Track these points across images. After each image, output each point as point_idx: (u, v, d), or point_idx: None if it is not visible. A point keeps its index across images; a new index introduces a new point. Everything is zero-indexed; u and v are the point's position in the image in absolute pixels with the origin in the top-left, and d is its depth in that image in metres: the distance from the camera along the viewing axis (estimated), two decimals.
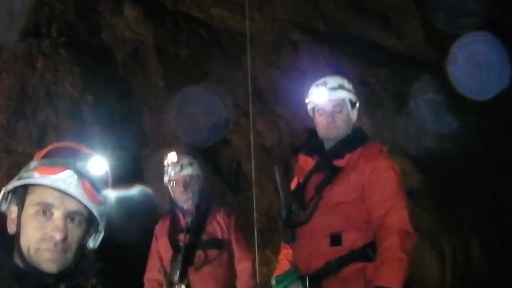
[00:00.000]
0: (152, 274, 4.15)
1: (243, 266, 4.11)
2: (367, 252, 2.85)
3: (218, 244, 4.03)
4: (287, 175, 3.55)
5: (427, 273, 6.37)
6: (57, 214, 1.56)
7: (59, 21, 6.76)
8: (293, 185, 3.26)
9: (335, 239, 2.89)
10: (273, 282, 3.10)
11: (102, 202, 1.63)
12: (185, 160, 4.14)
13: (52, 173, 1.56)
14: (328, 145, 3.13)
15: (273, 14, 7.79)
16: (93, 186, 1.60)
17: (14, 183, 1.59)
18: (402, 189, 2.97)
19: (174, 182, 4.09)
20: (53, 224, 1.55)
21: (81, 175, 1.58)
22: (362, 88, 6.57)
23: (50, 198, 1.56)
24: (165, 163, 4.13)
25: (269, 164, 6.27)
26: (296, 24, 7.81)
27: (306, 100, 3.18)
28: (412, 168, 6.60)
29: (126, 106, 6.65)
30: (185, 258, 3.92)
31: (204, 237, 4.02)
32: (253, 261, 4.27)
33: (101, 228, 1.68)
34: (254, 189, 4.99)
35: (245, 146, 6.58)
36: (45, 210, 1.56)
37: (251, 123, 5.59)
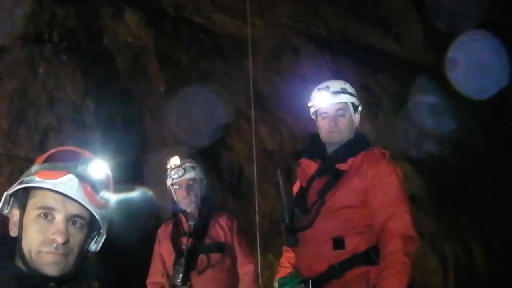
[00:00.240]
0: (155, 277, 4.15)
1: (245, 269, 4.11)
2: (370, 256, 2.85)
3: (221, 247, 4.03)
4: (289, 179, 3.56)
5: (429, 277, 6.36)
6: (59, 217, 1.56)
7: (60, 27, 6.79)
8: (295, 189, 3.26)
9: (338, 243, 2.88)
10: (276, 285, 3.10)
11: (103, 205, 1.63)
12: (188, 164, 4.15)
13: (53, 177, 1.56)
14: (330, 149, 3.12)
15: (275, 20, 7.81)
16: (94, 189, 1.60)
17: (16, 187, 1.60)
18: (404, 194, 2.97)
19: (177, 186, 4.10)
20: (54, 227, 1.55)
21: (82, 179, 1.58)
22: (363, 92, 6.58)
23: (52, 201, 1.56)
24: (168, 167, 4.14)
25: (270, 169, 6.28)
26: (298, 29, 7.83)
27: (309, 104, 3.18)
28: (413, 172, 6.60)
29: (128, 111, 6.67)
30: (188, 261, 3.92)
31: (207, 240, 4.02)
32: (256, 265, 4.27)
33: (103, 231, 1.68)
34: (256, 193, 4.99)
35: (247, 151, 6.58)
36: (47, 214, 1.56)
37: (253, 128, 5.60)
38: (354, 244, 2.86)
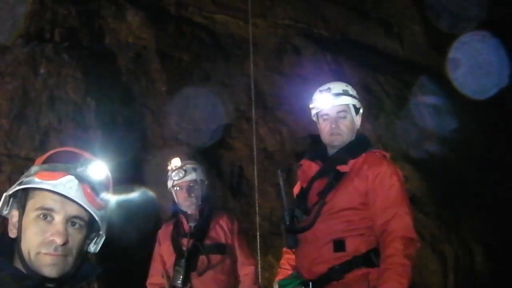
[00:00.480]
0: (155, 278, 4.14)
1: (246, 271, 4.11)
2: (370, 258, 2.84)
3: (221, 249, 4.03)
4: (289, 180, 3.55)
5: (429, 278, 6.36)
6: (58, 218, 1.55)
7: (62, 26, 6.79)
8: (296, 190, 3.26)
9: (339, 245, 2.88)
10: (276, 286, 3.10)
11: (102, 207, 1.63)
12: (189, 166, 4.14)
13: (52, 178, 1.56)
14: (331, 151, 3.13)
15: (276, 20, 7.82)
16: (94, 190, 1.60)
17: (15, 188, 1.60)
18: (405, 195, 2.97)
19: (178, 187, 4.10)
20: (53, 228, 1.54)
21: (82, 180, 1.58)
22: (364, 93, 6.58)
23: (51, 202, 1.56)
24: (169, 168, 4.13)
25: (271, 169, 6.28)
26: (299, 30, 7.83)
27: (310, 106, 3.18)
28: (413, 173, 6.59)
29: (129, 111, 6.67)
30: (188, 262, 3.92)
31: (207, 242, 4.02)
32: (256, 266, 4.27)
33: (102, 232, 1.68)
34: (256, 194, 4.99)
35: (248, 151, 6.59)
36: (46, 215, 1.56)
37: (254, 128, 5.60)
38: (355, 246, 2.86)
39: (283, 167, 5.64)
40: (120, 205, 1.91)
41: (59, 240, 1.53)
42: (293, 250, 3.12)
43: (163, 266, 4.09)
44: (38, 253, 1.53)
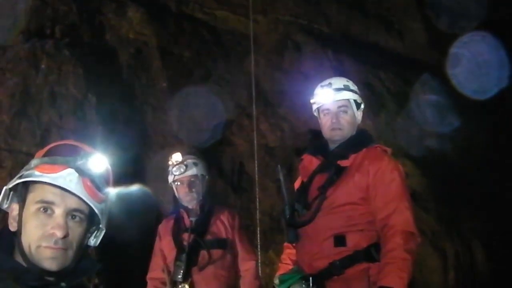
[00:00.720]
0: (156, 273, 4.14)
1: (247, 266, 4.11)
2: (371, 253, 2.85)
3: (222, 244, 4.03)
4: (290, 175, 3.56)
5: (429, 275, 6.36)
6: (58, 211, 1.55)
7: (63, 22, 6.78)
8: (297, 185, 3.26)
9: (339, 240, 2.88)
10: (276, 281, 3.10)
11: (103, 200, 1.63)
12: (190, 161, 4.14)
13: (52, 171, 1.56)
14: (332, 146, 3.13)
15: (277, 16, 7.81)
16: (94, 183, 1.59)
17: (15, 181, 1.59)
18: (406, 191, 2.97)
19: (179, 182, 4.09)
20: (54, 221, 1.54)
21: (82, 173, 1.58)
22: (365, 90, 6.57)
23: (51, 195, 1.56)
24: (170, 163, 4.13)
25: (272, 165, 6.28)
26: (300, 26, 7.83)
27: (311, 101, 3.18)
28: (414, 169, 6.59)
29: (129, 107, 6.67)
30: (189, 257, 3.92)
31: (208, 237, 4.02)
32: (257, 261, 4.27)
33: (102, 225, 1.68)
34: (257, 189, 4.99)
35: (248, 147, 6.58)
36: (46, 208, 1.56)
37: (254, 124, 5.60)
38: (355, 241, 2.86)
39: (284, 163, 5.65)
40: (120, 199, 1.91)
41: (59, 233, 1.53)
42: (294, 244, 3.13)
43: (164, 261, 4.09)
44: (38, 247, 1.53)
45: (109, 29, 7.11)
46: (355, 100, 3.11)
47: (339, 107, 3.07)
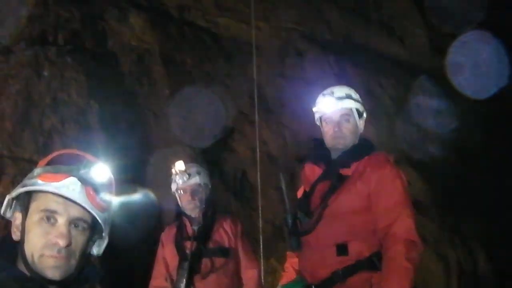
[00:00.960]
0: (158, 281, 4.14)
1: (249, 274, 4.11)
2: (373, 262, 2.84)
3: (225, 252, 4.03)
4: (292, 183, 3.55)
5: (432, 283, 6.34)
6: (61, 220, 1.56)
7: (65, 29, 6.80)
8: (299, 193, 3.26)
9: (342, 249, 2.88)
10: None
11: (105, 209, 1.63)
12: (193, 169, 4.15)
13: (56, 180, 1.56)
14: (334, 154, 3.13)
15: (279, 23, 7.82)
16: (97, 192, 1.60)
17: (18, 190, 1.60)
18: (408, 199, 2.97)
19: (182, 191, 4.10)
20: (57, 230, 1.55)
21: (85, 182, 1.58)
22: (367, 96, 6.57)
23: (54, 204, 1.56)
24: (173, 171, 4.13)
25: (274, 173, 6.26)
26: (302, 33, 7.84)
27: (314, 109, 3.18)
28: (416, 176, 6.59)
29: (132, 114, 6.67)
30: (192, 265, 3.93)
31: (211, 245, 4.02)
32: (259, 270, 4.27)
33: (105, 234, 1.68)
34: (259, 197, 4.99)
35: (251, 155, 6.59)
36: (49, 217, 1.56)
37: (257, 131, 5.60)
38: (358, 250, 2.86)
39: (286, 171, 5.64)
40: (123, 207, 1.91)
41: (62, 242, 1.53)
42: (297, 253, 3.12)
43: (167, 269, 4.09)
44: (41, 255, 1.53)
45: (111, 35, 7.12)
46: (357, 109, 3.11)
47: (342, 115, 3.07)
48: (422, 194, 6.60)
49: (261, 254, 4.58)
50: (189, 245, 3.99)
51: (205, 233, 4.04)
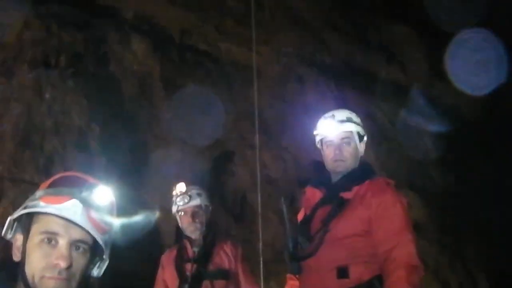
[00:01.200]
0: None
1: None
2: (374, 285, 2.83)
3: (225, 274, 4.01)
4: (293, 207, 3.55)
5: None
6: (62, 242, 1.56)
7: (67, 52, 6.84)
8: (300, 217, 3.26)
9: (342, 272, 2.87)
10: None
11: (106, 231, 1.64)
12: (194, 191, 4.15)
13: (57, 202, 1.57)
14: (335, 178, 3.13)
15: (280, 47, 7.87)
16: (98, 215, 1.61)
17: (20, 212, 1.61)
18: (409, 223, 2.96)
19: (183, 212, 4.10)
20: (58, 252, 1.55)
21: (86, 204, 1.59)
22: (367, 121, 6.58)
23: (55, 226, 1.57)
24: (174, 193, 4.14)
25: (274, 196, 6.27)
26: (302, 57, 7.89)
27: (314, 132, 3.20)
28: (417, 200, 6.58)
29: (132, 137, 6.68)
30: None
31: (211, 267, 4.00)
32: None
33: (106, 256, 1.68)
34: (260, 220, 4.98)
35: (251, 178, 6.58)
36: (50, 239, 1.57)
37: (257, 155, 5.60)
38: (358, 273, 2.85)
39: (287, 194, 5.64)
40: (123, 230, 1.91)
41: (63, 264, 1.53)
42: (297, 276, 3.11)
43: None
44: (42, 277, 1.53)
45: (113, 59, 7.17)
46: (358, 132, 3.13)
47: (342, 139, 3.09)
48: (422, 217, 6.59)
49: (261, 277, 4.55)
50: (189, 267, 3.98)
51: (205, 255, 4.03)
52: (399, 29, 8.39)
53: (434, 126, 7.26)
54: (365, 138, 3.19)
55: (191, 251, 4.05)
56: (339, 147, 3.07)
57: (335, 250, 2.89)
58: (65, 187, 1.62)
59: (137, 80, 7.19)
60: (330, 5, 8.20)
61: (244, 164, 6.99)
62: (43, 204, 1.57)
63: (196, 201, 4.09)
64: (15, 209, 1.65)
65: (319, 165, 3.22)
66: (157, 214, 5.19)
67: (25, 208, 1.60)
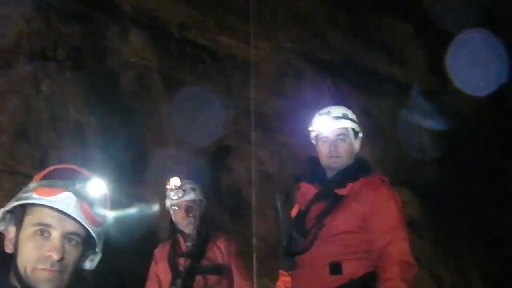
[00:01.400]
0: None
1: None
2: (367, 282, 2.84)
3: (218, 269, 4.02)
4: (288, 202, 3.55)
5: None
6: (55, 234, 1.56)
7: (65, 45, 6.82)
8: (294, 212, 3.26)
9: (335, 268, 2.88)
10: None
11: (100, 224, 1.64)
12: (188, 186, 4.14)
13: (50, 194, 1.57)
14: (330, 174, 3.14)
15: (278, 43, 7.86)
16: (92, 207, 1.61)
17: (13, 204, 1.61)
18: (403, 220, 2.98)
19: (176, 207, 4.10)
20: (50, 244, 1.55)
21: (80, 196, 1.59)
22: (364, 117, 6.59)
23: (48, 218, 1.57)
24: (168, 187, 4.13)
25: (269, 191, 6.26)
26: (301, 53, 7.88)
27: (310, 128, 3.21)
28: (412, 197, 6.59)
29: (129, 131, 6.67)
30: (185, 282, 3.91)
31: (204, 262, 4.01)
32: None
33: (99, 249, 1.69)
34: (254, 215, 4.98)
35: (247, 173, 6.58)
36: (43, 230, 1.56)
37: (253, 150, 5.60)
38: (351, 269, 2.86)
39: (282, 190, 5.64)
40: (117, 223, 1.92)
41: (55, 256, 1.53)
42: (290, 272, 3.12)
43: (159, 286, 4.07)
44: (34, 269, 1.54)
45: (111, 52, 7.15)
46: (353, 129, 3.13)
47: (338, 135, 3.10)
48: (417, 215, 6.60)
49: (255, 272, 4.55)
50: (182, 262, 3.98)
51: (199, 250, 4.03)
52: (399, 28, 8.38)
53: (432, 124, 7.26)
54: (360, 135, 3.19)
55: (185, 245, 4.05)
56: (334, 143, 3.08)
57: (329, 246, 2.90)
58: (59, 179, 1.62)
59: (136, 74, 7.18)
60: (330, 1, 8.19)
61: (240, 159, 6.98)
62: (36, 196, 1.57)
63: (190, 196, 4.09)
64: (10, 201, 1.65)
65: (314, 161, 3.23)
66: (152, 209, 5.19)
67: (18, 199, 1.60)
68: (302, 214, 3.12)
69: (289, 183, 6.53)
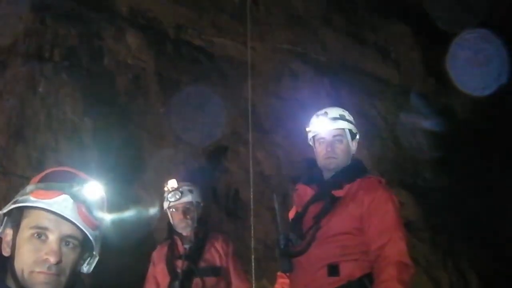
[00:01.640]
0: None
1: None
2: (364, 283, 2.84)
3: (216, 271, 4.01)
4: (285, 204, 3.55)
5: None
6: (52, 237, 1.56)
7: (62, 46, 6.81)
8: (291, 214, 3.26)
9: (333, 270, 2.88)
10: None
11: (97, 227, 1.64)
12: (185, 187, 4.14)
13: (48, 197, 1.57)
14: (327, 175, 3.14)
15: (275, 44, 7.85)
16: (89, 210, 1.60)
17: (10, 206, 1.60)
18: (400, 221, 2.98)
19: (174, 209, 4.09)
20: (47, 247, 1.55)
21: (77, 199, 1.58)
22: (360, 119, 6.58)
23: (45, 221, 1.56)
24: (165, 189, 4.13)
25: (267, 193, 6.26)
26: (297, 54, 7.87)
27: (307, 129, 3.21)
28: (409, 199, 6.59)
29: (126, 132, 6.66)
30: (182, 284, 3.90)
31: (202, 264, 4.00)
32: None
33: (96, 252, 1.68)
34: (252, 217, 4.97)
35: (244, 175, 6.57)
36: (40, 233, 1.56)
37: (250, 151, 5.60)
38: (349, 270, 2.86)
39: (279, 191, 5.64)
40: (114, 225, 1.91)
41: (53, 259, 1.53)
42: (288, 274, 3.12)
43: None
44: (31, 272, 1.53)
45: (107, 53, 7.14)
46: (350, 130, 3.14)
47: (334, 136, 3.10)
48: (414, 216, 6.60)
49: (253, 274, 4.55)
50: (180, 264, 3.97)
51: (196, 252, 4.02)
52: (395, 28, 8.38)
53: (429, 125, 7.27)
54: (357, 136, 3.20)
55: (182, 247, 4.05)
56: (331, 145, 3.08)
57: (326, 248, 2.90)
58: (56, 182, 1.62)
59: (132, 75, 7.17)
60: (326, 2, 8.19)
61: (237, 160, 6.98)
62: (33, 198, 1.57)
63: (188, 198, 4.09)
64: (6, 203, 1.65)
65: (311, 162, 3.23)
66: (150, 210, 5.18)
67: (15, 202, 1.60)
68: (299, 216, 3.12)
69: (286, 183, 6.55)
